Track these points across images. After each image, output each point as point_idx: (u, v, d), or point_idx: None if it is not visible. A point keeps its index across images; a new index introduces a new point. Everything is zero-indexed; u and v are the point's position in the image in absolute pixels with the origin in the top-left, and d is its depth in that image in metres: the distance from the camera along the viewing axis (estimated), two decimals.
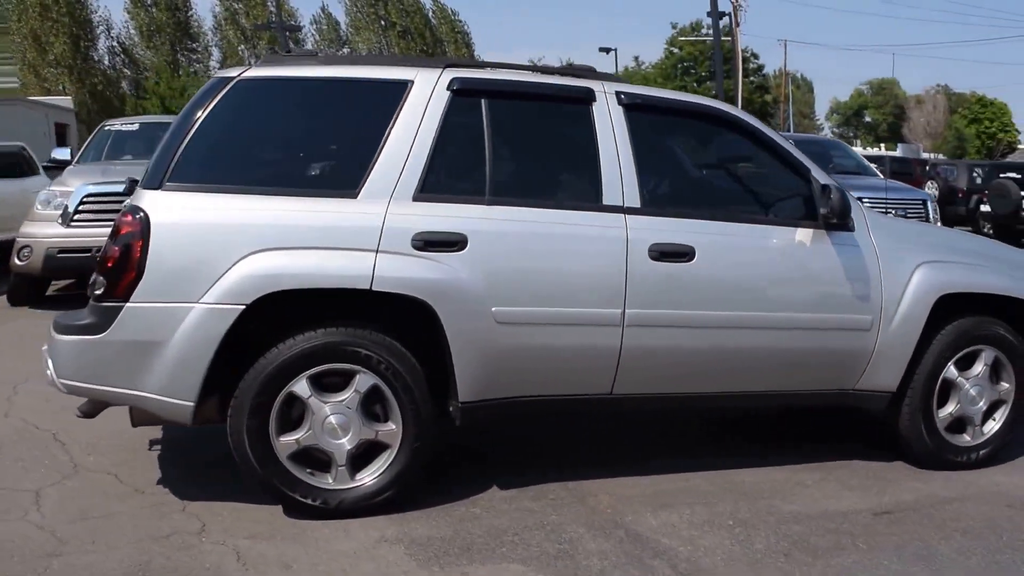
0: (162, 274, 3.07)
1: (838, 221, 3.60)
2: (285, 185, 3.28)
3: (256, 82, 3.38)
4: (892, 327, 3.68)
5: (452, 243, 3.23)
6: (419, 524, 3.22)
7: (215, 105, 3.26)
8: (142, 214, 3.09)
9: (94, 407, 3.34)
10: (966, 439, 3.94)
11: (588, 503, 3.46)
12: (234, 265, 3.07)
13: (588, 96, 3.55)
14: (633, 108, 3.58)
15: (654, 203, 3.54)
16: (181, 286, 3.07)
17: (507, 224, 3.32)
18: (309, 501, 3.21)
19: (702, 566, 2.96)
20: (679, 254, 3.45)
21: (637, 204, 3.45)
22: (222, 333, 3.06)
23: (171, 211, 3.13)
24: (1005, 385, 3.96)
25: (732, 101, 25.91)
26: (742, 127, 3.82)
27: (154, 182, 3.17)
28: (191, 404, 3.11)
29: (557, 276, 3.36)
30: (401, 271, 3.16)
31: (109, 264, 3.10)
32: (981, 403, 3.91)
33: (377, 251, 3.14)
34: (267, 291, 3.07)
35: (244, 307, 3.06)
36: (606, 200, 3.45)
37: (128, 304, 3.06)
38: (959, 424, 3.93)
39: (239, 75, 3.35)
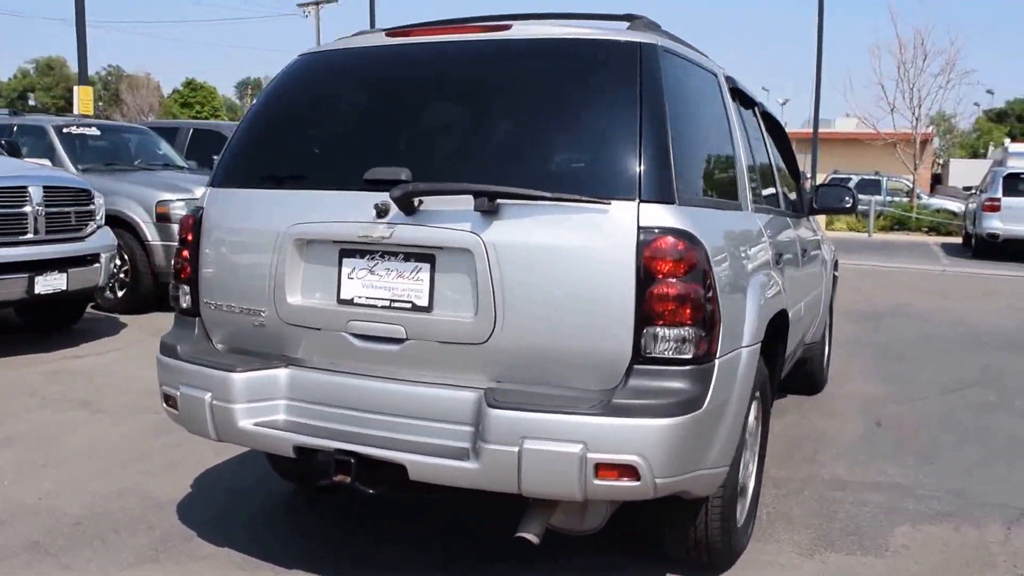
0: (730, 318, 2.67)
1: None
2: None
3: None
4: None
5: None
6: None
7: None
8: (702, 252, 2.52)
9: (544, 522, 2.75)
10: None
11: None
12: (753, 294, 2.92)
13: None
14: None
15: None
16: (736, 328, 2.77)
17: None
18: None
19: None
20: None
21: None
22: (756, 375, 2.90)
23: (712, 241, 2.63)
24: None
25: None
26: None
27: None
28: (726, 468, 2.76)
29: None
30: None
31: (689, 318, 2.46)
32: None
33: None
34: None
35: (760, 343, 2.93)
36: None
37: (718, 360, 2.59)
38: None
39: None
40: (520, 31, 2.92)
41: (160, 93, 59.53)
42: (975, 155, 51.91)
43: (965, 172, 39.68)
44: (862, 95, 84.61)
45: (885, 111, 27.46)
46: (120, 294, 8.32)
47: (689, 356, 2.49)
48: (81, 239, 6.75)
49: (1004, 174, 17.15)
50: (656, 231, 2.49)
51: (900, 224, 24.33)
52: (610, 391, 2.51)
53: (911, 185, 26.96)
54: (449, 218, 2.64)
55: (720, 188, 3.22)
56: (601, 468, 2.41)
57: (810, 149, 26.66)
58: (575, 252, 2.53)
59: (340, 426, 2.77)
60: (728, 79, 3.64)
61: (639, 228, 2.49)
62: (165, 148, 10.32)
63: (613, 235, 2.51)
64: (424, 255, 2.70)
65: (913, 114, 26.28)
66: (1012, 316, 9.81)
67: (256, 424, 2.85)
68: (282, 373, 2.91)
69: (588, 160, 2.69)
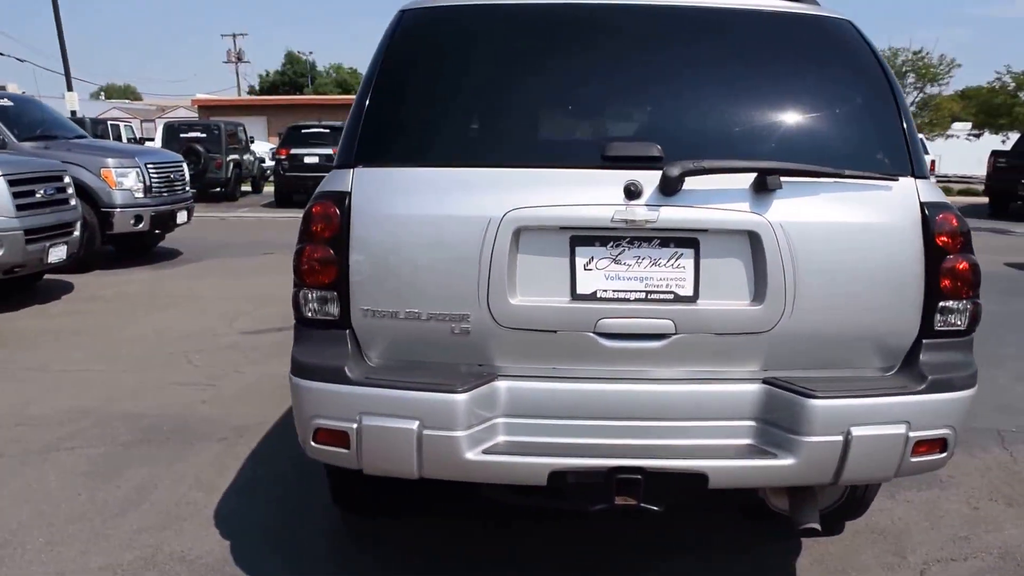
0: None
1: None
2: None
3: None
4: None
5: None
6: None
7: None
8: (966, 226, 2.50)
9: None
10: None
11: None
12: None
13: None
14: None
15: None
16: None
17: None
18: None
19: None
20: None
21: None
22: None
23: None
24: None
25: None
26: None
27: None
28: None
29: None
30: None
31: (968, 291, 2.49)
32: None
33: None
34: None
35: None
36: None
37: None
38: None
39: None
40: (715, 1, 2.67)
41: None
42: None
43: None
44: None
45: None
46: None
47: (963, 328, 2.52)
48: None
49: None
50: (936, 207, 2.47)
51: None
52: (890, 368, 2.48)
53: None
54: (717, 198, 2.37)
55: None
56: (919, 445, 2.39)
57: None
58: (862, 230, 2.42)
59: (603, 440, 2.38)
60: None
61: (922, 204, 2.46)
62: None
63: (897, 211, 2.45)
64: (686, 239, 2.40)
65: None
66: None
67: (485, 452, 2.35)
68: (501, 387, 2.41)
69: (855, 136, 2.57)
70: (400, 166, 2.48)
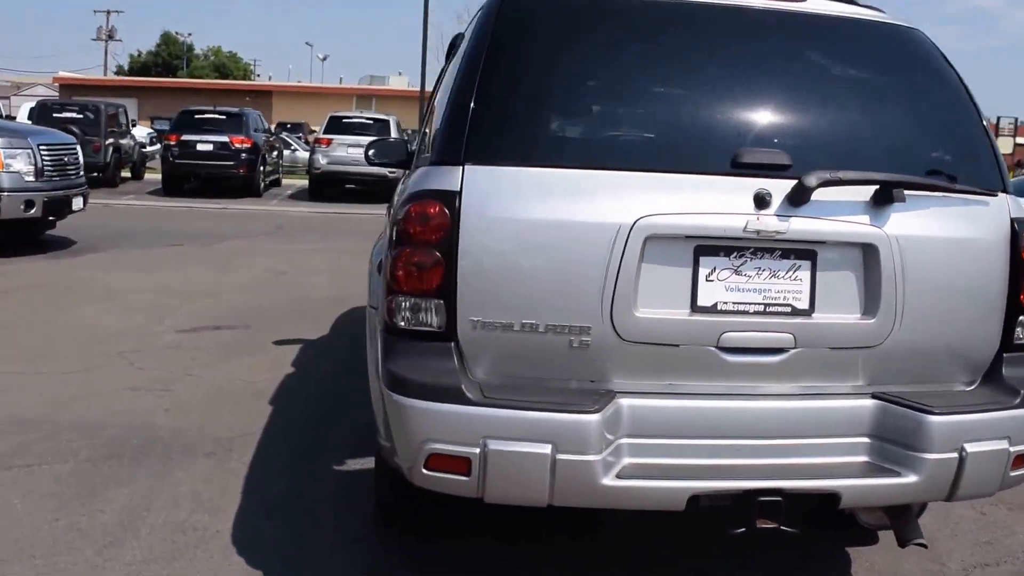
0: None
1: None
2: None
3: None
4: None
5: None
6: None
7: None
8: None
9: None
10: None
11: None
12: None
13: None
14: None
15: None
16: None
17: None
18: None
19: None
20: None
21: None
22: None
23: None
24: None
25: None
26: None
27: None
28: None
29: None
30: None
31: None
32: None
33: None
34: None
35: None
36: None
37: None
38: None
39: None
40: (817, 6, 2.61)
41: None
42: None
43: None
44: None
45: None
46: None
47: None
48: None
49: None
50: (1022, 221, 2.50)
51: None
52: (971, 382, 2.50)
53: None
54: (838, 210, 2.31)
55: None
56: (1017, 459, 2.39)
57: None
58: (963, 244, 2.43)
59: (736, 460, 2.26)
60: None
61: (1012, 220, 2.48)
62: None
63: (991, 226, 2.46)
64: (805, 251, 2.32)
65: None
66: None
67: (618, 477, 2.18)
68: (624, 405, 2.24)
69: (957, 151, 2.56)
70: (517, 165, 2.27)
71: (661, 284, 2.26)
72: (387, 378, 2.27)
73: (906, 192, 2.34)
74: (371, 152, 4.41)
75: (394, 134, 18.60)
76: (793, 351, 2.31)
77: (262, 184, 18.42)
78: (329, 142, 17.99)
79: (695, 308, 2.28)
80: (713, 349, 2.28)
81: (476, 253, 2.22)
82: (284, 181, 21.59)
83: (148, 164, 22.40)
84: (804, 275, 2.32)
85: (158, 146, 26.51)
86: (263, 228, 12.77)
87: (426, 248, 2.23)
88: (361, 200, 17.19)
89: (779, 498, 2.20)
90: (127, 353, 5.42)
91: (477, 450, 2.13)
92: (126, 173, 20.49)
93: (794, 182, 2.25)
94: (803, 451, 2.31)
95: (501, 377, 2.27)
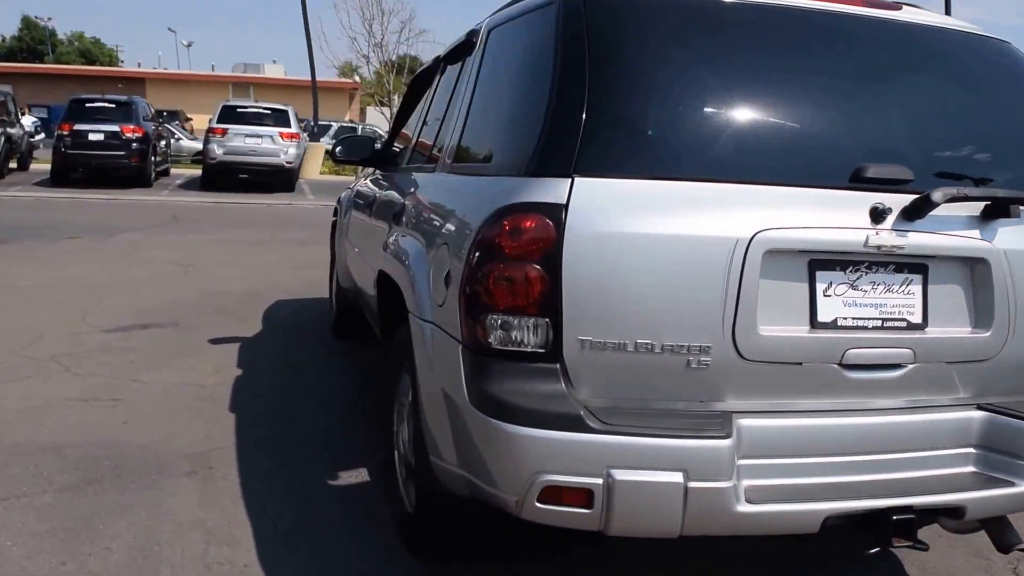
0: None
1: None
2: None
3: None
4: None
5: None
6: None
7: None
8: None
9: None
10: None
11: None
12: None
13: None
14: None
15: None
16: None
17: None
18: None
19: None
20: None
21: None
22: None
23: None
24: None
25: None
26: None
27: None
28: None
29: None
30: None
31: None
32: None
33: None
34: None
35: None
36: None
37: None
38: None
39: None
40: (911, 15, 2.57)
41: None
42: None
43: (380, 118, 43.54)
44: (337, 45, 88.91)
45: (362, 62, 32.66)
46: None
47: None
48: None
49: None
50: None
51: None
52: None
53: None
54: (949, 224, 2.27)
55: None
56: None
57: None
58: None
59: (862, 477, 2.19)
60: None
61: None
62: None
63: None
64: (917, 265, 2.27)
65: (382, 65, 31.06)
66: None
67: (748, 502, 2.04)
68: (743, 426, 2.12)
69: None
70: (629, 178, 2.11)
71: (779, 300, 2.15)
72: (484, 403, 2.06)
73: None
74: (339, 150, 4.33)
75: (293, 125, 17.96)
76: (912, 366, 2.27)
77: (152, 174, 17.34)
78: (224, 132, 17.08)
79: (815, 324, 2.18)
80: (835, 366, 2.19)
81: (588, 269, 2.05)
82: (172, 171, 20.42)
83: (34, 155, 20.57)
84: (916, 289, 2.28)
85: (43, 135, 24.55)
86: (158, 219, 12.02)
87: (526, 263, 2.05)
88: (254, 190, 16.65)
89: (912, 515, 2.13)
90: (60, 357, 4.89)
91: (600, 481, 1.96)
92: (13, 164, 18.69)
93: (911, 197, 2.19)
94: (920, 464, 2.27)
95: (604, 400, 2.10)
